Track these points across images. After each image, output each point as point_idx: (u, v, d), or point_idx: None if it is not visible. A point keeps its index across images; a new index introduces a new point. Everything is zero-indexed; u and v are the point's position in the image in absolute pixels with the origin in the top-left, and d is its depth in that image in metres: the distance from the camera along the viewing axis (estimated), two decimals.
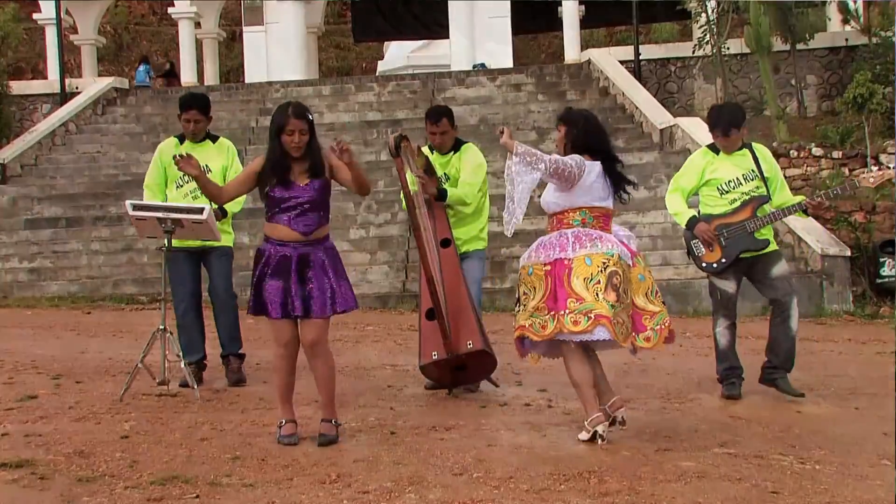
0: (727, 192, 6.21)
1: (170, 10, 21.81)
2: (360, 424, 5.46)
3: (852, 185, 6.78)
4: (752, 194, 6.18)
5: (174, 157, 5.25)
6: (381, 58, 25.87)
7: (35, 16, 21.77)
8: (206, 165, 6.52)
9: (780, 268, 6.28)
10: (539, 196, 5.41)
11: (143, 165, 15.83)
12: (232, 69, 26.08)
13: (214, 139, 6.83)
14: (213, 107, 6.93)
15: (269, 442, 5.02)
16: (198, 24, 22.31)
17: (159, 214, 6.19)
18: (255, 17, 21.52)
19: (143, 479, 4.34)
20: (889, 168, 6.65)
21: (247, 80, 21.24)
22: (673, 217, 6.63)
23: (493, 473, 4.45)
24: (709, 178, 6.28)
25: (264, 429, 5.27)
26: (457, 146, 6.58)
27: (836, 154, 13.93)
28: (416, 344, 6.47)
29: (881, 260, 11.73)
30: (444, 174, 6.49)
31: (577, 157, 5.09)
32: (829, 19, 17.77)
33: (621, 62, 17.49)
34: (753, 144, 6.40)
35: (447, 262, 6.28)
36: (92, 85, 19.28)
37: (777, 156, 6.44)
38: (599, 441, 5.00)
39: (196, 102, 6.69)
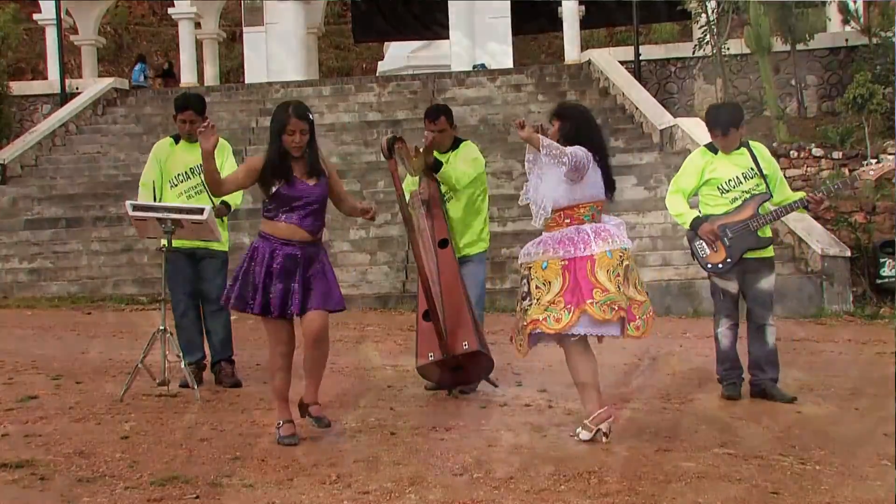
0: (728, 191, 6.21)
1: (170, 10, 21.81)
2: (360, 425, 5.46)
3: (853, 179, 6.78)
4: (753, 192, 6.18)
5: (199, 129, 5.15)
6: (382, 58, 25.87)
7: (35, 16, 21.77)
8: (201, 164, 6.53)
9: (768, 282, 6.26)
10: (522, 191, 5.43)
11: (142, 166, 15.79)
12: (232, 69, 26.09)
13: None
14: (213, 107, 6.95)
15: (269, 442, 5.02)
16: (198, 25, 22.31)
17: (159, 215, 6.19)
18: (255, 17, 21.53)
19: (144, 480, 4.34)
20: (889, 161, 6.65)
21: (247, 81, 21.25)
22: (675, 218, 6.62)
23: (494, 474, 4.45)
24: (708, 177, 6.27)
25: (264, 429, 5.27)
26: (456, 144, 6.58)
27: (837, 154, 13.94)
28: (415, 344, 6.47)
29: (881, 260, 11.73)
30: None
31: (582, 149, 5.09)
32: (830, 20, 17.77)
33: (621, 62, 17.49)
34: (751, 142, 6.39)
35: (444, 263, 6.28)
36: (92, 85, 19.29)
37: (777, 156, 6.43)
38: (603, 439, 5.00)
39: (192, 103, 6.71)
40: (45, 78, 21.44)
